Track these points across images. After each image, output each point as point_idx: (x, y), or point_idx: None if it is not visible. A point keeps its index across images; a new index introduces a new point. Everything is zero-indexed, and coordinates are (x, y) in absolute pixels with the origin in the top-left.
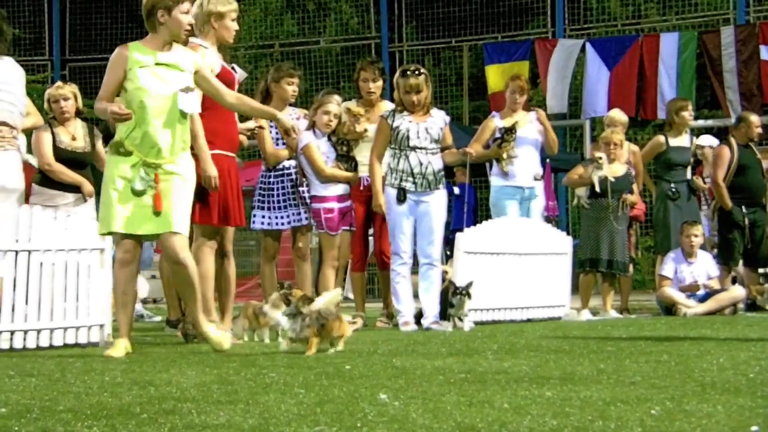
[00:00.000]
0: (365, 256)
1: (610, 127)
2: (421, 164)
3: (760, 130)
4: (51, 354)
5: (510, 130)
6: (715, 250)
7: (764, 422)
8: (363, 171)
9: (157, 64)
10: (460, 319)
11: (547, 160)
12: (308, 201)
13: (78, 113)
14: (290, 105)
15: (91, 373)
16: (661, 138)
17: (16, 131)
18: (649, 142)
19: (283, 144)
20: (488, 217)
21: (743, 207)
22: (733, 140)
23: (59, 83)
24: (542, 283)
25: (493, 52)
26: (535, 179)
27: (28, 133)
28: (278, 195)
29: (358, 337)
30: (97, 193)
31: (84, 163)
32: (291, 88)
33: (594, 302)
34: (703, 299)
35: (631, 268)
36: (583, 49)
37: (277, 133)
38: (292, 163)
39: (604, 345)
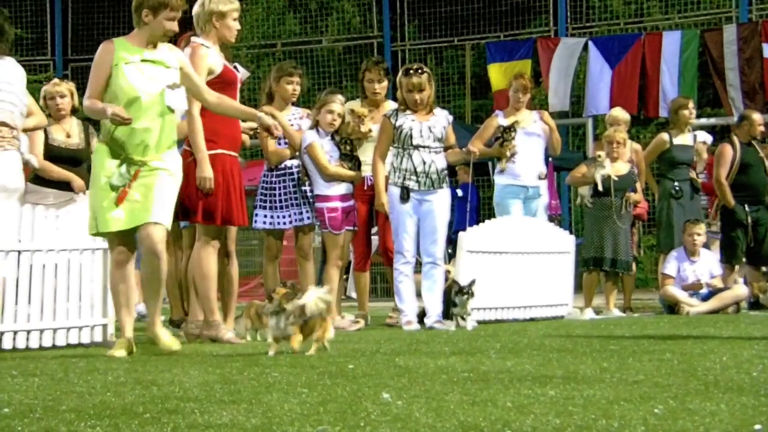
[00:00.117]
0: (368, 255)
1: (613, 125)
2: (424, 163)
3: (762, 128)
4: (54, 354)
5: (510, 129)
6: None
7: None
8: (366, 170)
9: (143, 60)
10: (463, 318)
11: (550, 159)
12: (311, 200)
13: (74, 111)
14: (293, 104)
15: (94, 373)
16: (665, 136)
17: (17, 131)
18: (652, 140)
19: (285, 143)
20: (491, 216)
21: (746, 205)
22: (735, 138)
23: (56, 80)
24: (545, 282)
25: (495, 51)
26: (539, 178)
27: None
28: (280, 194)
29: (361, 336)
30: None
31: (79, 160)
32: (291, 87)
33: (597, 301)
34: (706, 298)
35: (633, 266)
36: (585, 47)
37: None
38: (294, 162)
39: (607, 344)
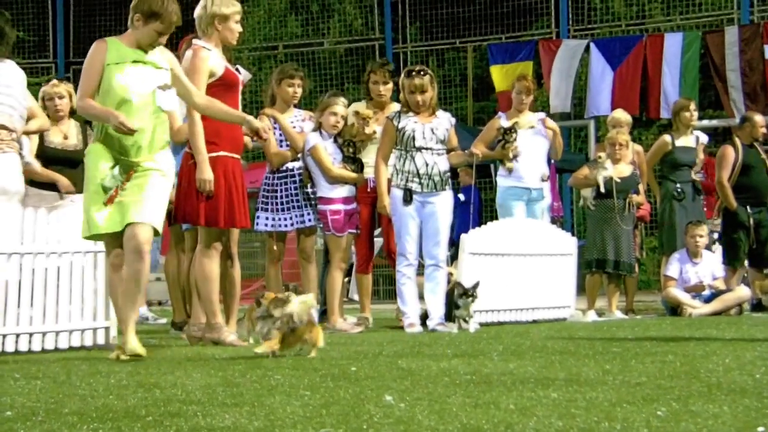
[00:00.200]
0: (370, 257)
1: (615, 127)
2: (426, 165)
3: (764, 129)
4: (56, 357)
5: (510, 130)
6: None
7: None
8: (369, 173)
9: (134, 61)
10: (466, 321)
11: (552, 161)
12: (315, 202)
13: (72, 112)
14: (295, 107)
15: (96, 376)
16: (667, 138)
17: (16, 134)
18: (654, 142)
19: (287, 146)
20: (493, 218)
21: (748, 207)
22: (737, 140)
23: (54, 81)
24: (547, 284)
25: (497, 53)
26: (542, 180)
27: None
28: (282, 197)
29: (364, 338)
30: None
31: (76, 162)
32: (292, 89)
33: (599, 303)
34: (708, 300)
35: (636, 268)
36: (587, 49)
37: (281, 135)
38: (296, 164)
39: (609, 346)
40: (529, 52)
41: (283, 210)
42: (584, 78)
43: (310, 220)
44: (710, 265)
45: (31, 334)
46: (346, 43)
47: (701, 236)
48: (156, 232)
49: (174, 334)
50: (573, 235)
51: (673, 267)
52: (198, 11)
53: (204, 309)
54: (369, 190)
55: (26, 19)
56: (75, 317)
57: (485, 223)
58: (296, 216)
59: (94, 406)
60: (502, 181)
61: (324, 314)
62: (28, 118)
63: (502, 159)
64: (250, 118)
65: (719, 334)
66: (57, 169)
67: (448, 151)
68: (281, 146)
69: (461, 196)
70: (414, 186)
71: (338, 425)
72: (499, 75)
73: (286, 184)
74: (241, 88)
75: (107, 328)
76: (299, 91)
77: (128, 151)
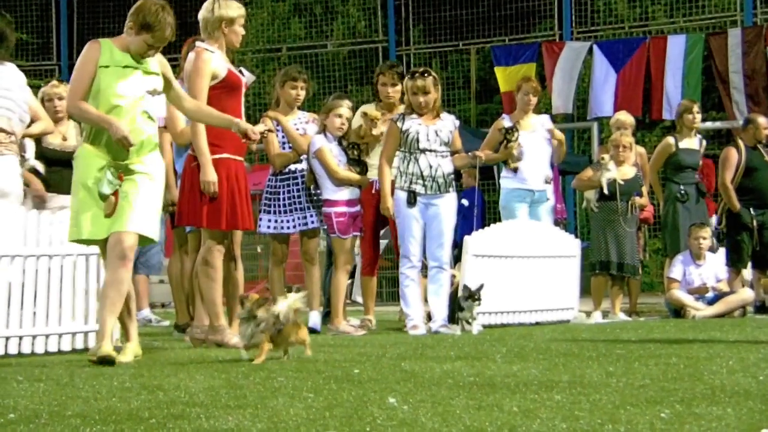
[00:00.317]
0: (375, 260)
1: (619, 129)
2: (430, 167)
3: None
4: (59, 359)
5: (511, 129)
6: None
7: None
8: (375, 174)
9: (126, 66)
10: (469, 323)
11: (555, 163)
12: (321, 204)
13: None
14: (299, 109)
15: (99, 378)
16: (671, 140)
17: (14, 137)
18: (657, 144)
19: (290, 148)
20: (496, 220)
21: (751, 209)
22: (740, 142)
23: (54, 82)
24: (551, 286)
25: (500, 55)
26: (546, 182)
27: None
28: (284, 199)
29: (367, 340)
30: None
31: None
32: (295, 92)
33: (603, 305)
34: (712, 302)
35: (639, 270)
36: (590, 51)
37: (283, 137)
38: (299, 166)
39: (613, 348)
40: (533, 54)
41: (285, 212)
42: (587, 80)
43: (312, 222)
44: (713, 267)
45: (34, 337)
46: (349, 46)
47: (704, 238)
48: (150, 240)
49: (177, 336)
50: (576, 237)
51: (676, 269)
52: (203, 14)
53: (207, 311)
54: (374, 191)
55: (30, 21)
56: (78, 319)
57: (488, 225)
58: (299, 218)
59: (97, 408)
60: (505, 183)
61: (327, 316)
62: (32, 121)
63: (506, 160)
64: (238, 120)
65: (723, 336)
66: (56, 170)
67: (452, 153)
68: (284, 148)
69: (465, 202)
70: (418, 188)
71: (341, 427)
72: (502, 77)
73: (288, 186)
74: (244, 90)
75: None
76: (302, 93)
77: (118, 154)
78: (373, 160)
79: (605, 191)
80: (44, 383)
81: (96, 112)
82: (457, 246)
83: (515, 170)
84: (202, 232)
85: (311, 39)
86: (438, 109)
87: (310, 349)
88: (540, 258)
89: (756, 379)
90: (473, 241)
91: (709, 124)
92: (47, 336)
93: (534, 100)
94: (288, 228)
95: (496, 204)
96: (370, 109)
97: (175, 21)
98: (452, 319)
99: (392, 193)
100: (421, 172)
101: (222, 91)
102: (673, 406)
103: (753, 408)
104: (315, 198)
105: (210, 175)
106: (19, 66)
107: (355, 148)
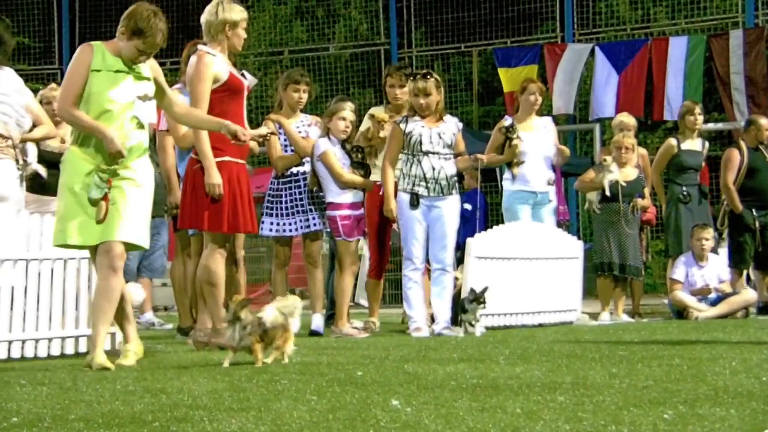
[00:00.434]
0: (381, 262)
1: (622, 131)
2: (433, 169)
3: None
4: (62, 363)
5: (511, 128)
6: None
7: None
8: (378, 177)
9: (117, 71)
10: (472, 325)
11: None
12: (325, 207)
13: None
14: (302, 111)
15: (102, 382)
16: (673, 141)
17: (11, 141)
18: (660, 145)
19: (292, 151)
20: (499, 222)
21: (754, 210)
22: (742, 143)
23: (53, 85)
24: (554, 287)
25: (502, 57)
26: (548, 184)
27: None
28: (286, 201)
29: (370, 342)
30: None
31: None
32: (297, 95)
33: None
34: (714, 303)
35: (642, 271)
36: (592, 53)
37: (285, 140)
38: (301, 169)
39: (616, 349)
40: (534, 56)
41: (288, 215)
42: (589, 82)
43: (315, 225)
44: (716, 268)
45: (37, 340)
46: (351, 48)
47: (707, 239)
48: (139, 247)
49: (180, 339)
50: (579, 238)
51: (679, 270)
52: (207, 17)
53: (210, 314)
54: (381, 194)
55: (32, 25)
56: (81, 323)
57: (491, 227)
58: (301, 221)
59: (100, 412)
60: (508, 184)
61: (330, 318)
62: (34, 125)
63: (512, 160)
64: (227, 122)
65: (726, 337)
66: (55, 173)
67: (456, 155)
68: (286, 151)
69: (468, 206)
70: (421, 190)
71: (345, 430)
72: (504, 78)
73: (290, 188)
74: (246, 93)
75: (113, 334)
76: (305, 96)
77: (106, 158)
78: (381, 162)
79: (607, 193)
80: (47, 387)
81: (89, 120)
82: (460, 248)
83: (514, 176)
84: (204, 235)
85: (313, 42)
86: (441, 112)
87: (287, 356)
88: (543, 260)
89: (759, 380)
90: (476, 243)
91: (711, 126)
92: (50, 339)
93: (540, 100)
94: (290, 231)
95: (499, 206)
96: (378, 111)
97: (168, 27)
98: (455, 321)
99: (395, 195)
100: (424, 175)
101: (224, 95)
102: (676, 407)
103: (756, 409)
104: (318, 200)
105: (215, 178)
106: (21, 70)
107: (359, 152)
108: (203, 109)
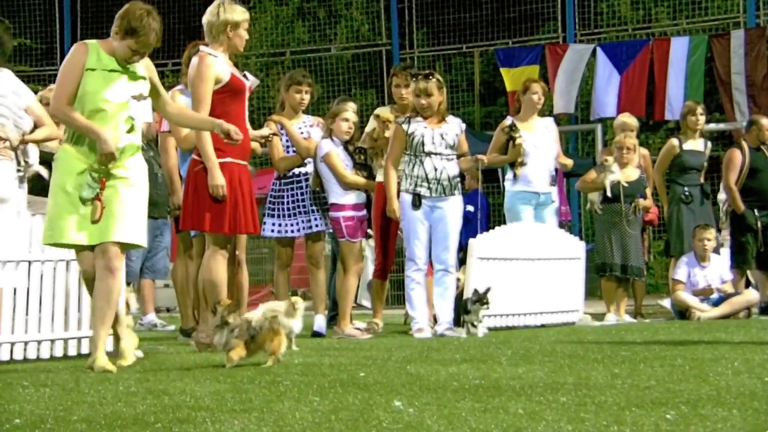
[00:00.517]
0: (386, 263)
1: (623, 131)
2: (435, 170)
3: None
4: (65, 364)
5: (512, 127)
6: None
7: None
8: (381, 177)
9: (111, 70)
10: (474, 325)
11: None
12: (328, 208)
13: None
14: (304, 113)
15: (105, 383)
16: (675, 141)
17: (9, 142)
18: (662, 146)
19: (294, 152)
20: (501, 222)
21: (755, 210)
22: (744, 143)
23: (52, 86)
24: (556, 288)
25: (504, 58)
26: (551, 184)
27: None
28: (288, 203)
29: (372, 343)
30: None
31: None
32: (299, 96)
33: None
34: (716, 303)
35: (644, 272)
36: (593, 53)
37: (287, 141)
38: (303, 170)
39: (618, 350)
40: (536, 56)
41: (290, 216)
42: (590, 82)
43: (317, 226)
44: (718, 269)
45: (39, 342)
46: (353, 49)
47: (709, 239)
48: (136, 246)
49: (182, 340)
50: (581, 239)
51: (681, 270)
52: (208, 18)
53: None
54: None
55: (33, 27)
56: (83, 324)
57: (493, 228)
58: (303, 221)
59: (102, 413)
60: (510, 185)
61: (333, 319)
62: (36, 126)
63: (515, 160)
64: (220, 121)
65: (728, 338)
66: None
67: (459, 156)
68: (288, 152)
69: (470, 208)
70: (423, 191)
71: (347, 431)
72: (506, 79)
73: (292, 189)
74: (248, 94)
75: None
76: (307, 97)
77: (98, 159)
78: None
79: (609, 193)
80: (50, 388)
81: (83, 120)
82: (462, 249)
83: (516, 177)
84: (206, 236)
85: (315, 43)
86: (443, 112)
87: (274, 360)
88: (545, 260)
89: (761, 380)
90: (478, 244)
91: (712, 126)
92: (53, 341)
93: (542, 100)
94: (292, 231)
95: (501, 206)
96: (383, 111)
97: (162, 27)
98: (458, 322)
99: (398, 196)
100: (426, 175)
101: (226, 96)
102: (678, 407)
103: (759, 409)
104: (320, 201)
105: (218, 179)
106: (22, 71)
107: (361, 153)
108: (205, 110)
